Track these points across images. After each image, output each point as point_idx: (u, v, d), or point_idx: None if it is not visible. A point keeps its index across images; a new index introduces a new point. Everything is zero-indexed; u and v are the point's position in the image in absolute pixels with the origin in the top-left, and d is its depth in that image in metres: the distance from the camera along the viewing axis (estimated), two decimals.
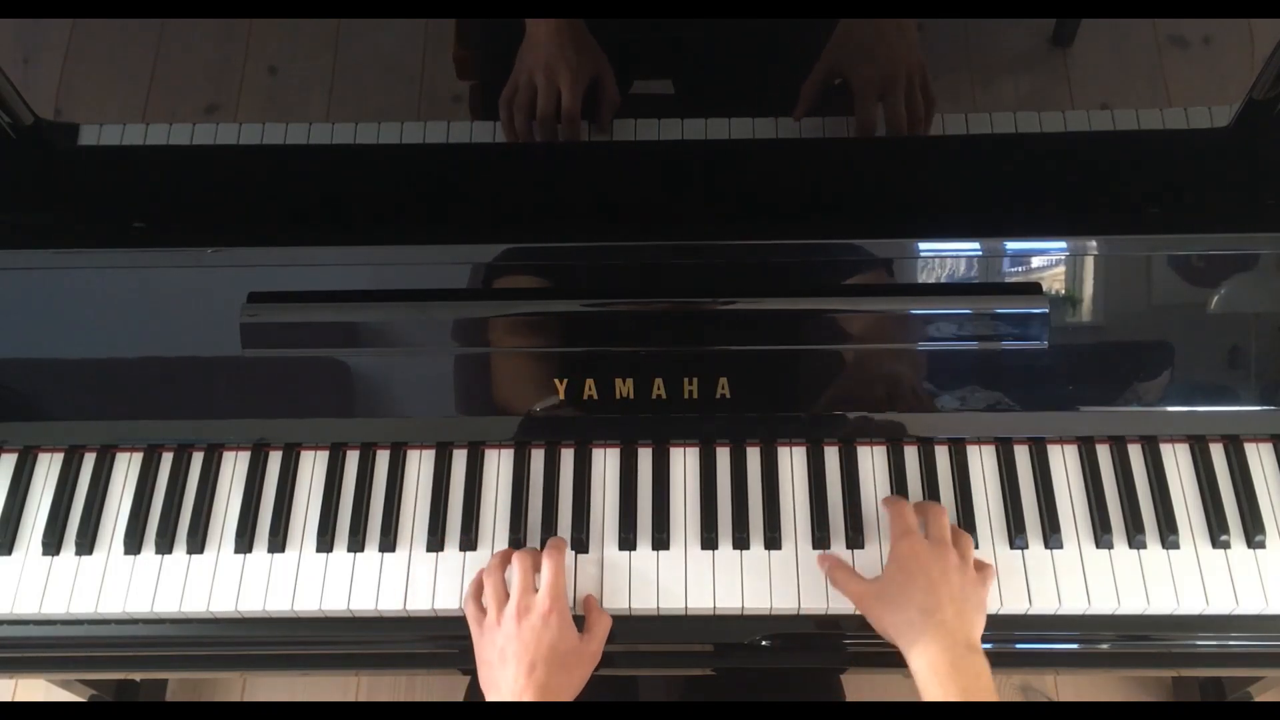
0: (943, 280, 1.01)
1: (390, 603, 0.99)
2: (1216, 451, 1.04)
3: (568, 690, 0.92)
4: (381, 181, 1.07)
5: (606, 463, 1.05)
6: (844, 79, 0.98)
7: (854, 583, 0.95)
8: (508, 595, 0.94)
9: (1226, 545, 1.00)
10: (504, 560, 0.97)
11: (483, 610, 0.95)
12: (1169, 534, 1.00)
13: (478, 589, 0.97)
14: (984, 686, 0.86)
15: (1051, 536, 1.00)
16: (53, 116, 1.02)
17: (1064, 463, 1.04)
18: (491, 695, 0.91)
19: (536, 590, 0.94)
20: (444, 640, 1.01)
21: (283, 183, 1.08)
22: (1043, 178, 1.06)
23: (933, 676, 0.86)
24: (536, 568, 0.96)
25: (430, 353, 1.03)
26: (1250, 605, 0.97)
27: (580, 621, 0.96)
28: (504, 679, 0.90)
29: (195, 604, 0.99)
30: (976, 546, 1.00)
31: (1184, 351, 1.01)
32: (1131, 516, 1.01)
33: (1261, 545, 1.00)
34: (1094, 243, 1.00)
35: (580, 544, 1.01)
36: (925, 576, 0.90)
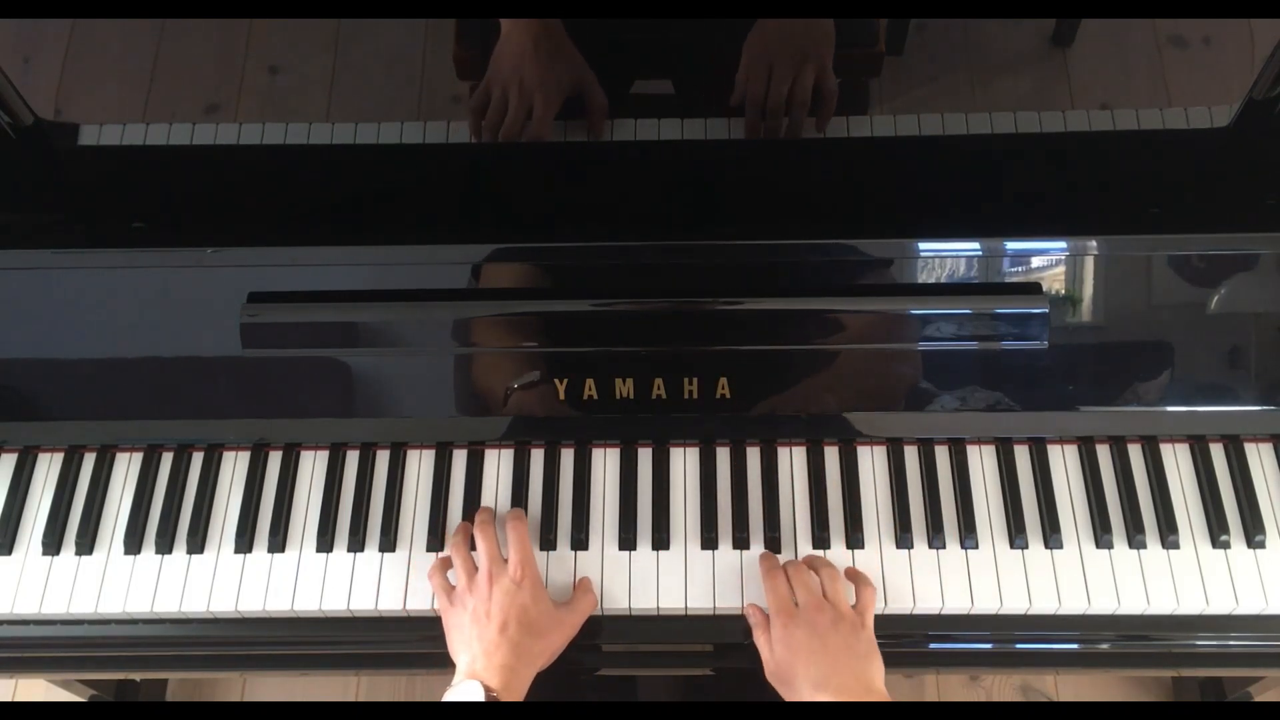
0: (943, 280, 1.01)
1: (390, 603, 0.99)
2: (1216, 451, 1.04)
3: (542, 654, 0.93)
4: (382, 181, 1.07)
5: (606, 463, 1.05)
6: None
7: (764, 660, 0.95)
8: (476, 567, 0.95)
9: (1226, 545, 1.00)
10: (467, 534, 0.98)
11: (450, 583, 0.96)
12: (1169, 534, 1.00)
13: (442, 563, 0.98)
14: None
15: (1051, 536, 1.00)
16: (53, 116, 1.02)
17: (1064, 463, 1.04)
18: (463, 656, 0.92)
19: (506, 561, 0.95)
20: (444, 640, 1.01)
21: (283, 183, 1.08)
22: (1042, 177, 1.06)
23: None
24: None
25: (430, 353, 1.02)
26: (1250, 605, 0.97)
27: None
28: (478, 637, 0.91)
29: (195, 604, 0.99)
30: (977, 546, 1.00)
31: (1184, 351, 1.01)
32: (1131, 516, 1.01)
33: (1261, 545, 1.00)
34: (1094, 243, 1.00)
35: (580, 543, 1.01)
36: (806, 651, 0.92)
